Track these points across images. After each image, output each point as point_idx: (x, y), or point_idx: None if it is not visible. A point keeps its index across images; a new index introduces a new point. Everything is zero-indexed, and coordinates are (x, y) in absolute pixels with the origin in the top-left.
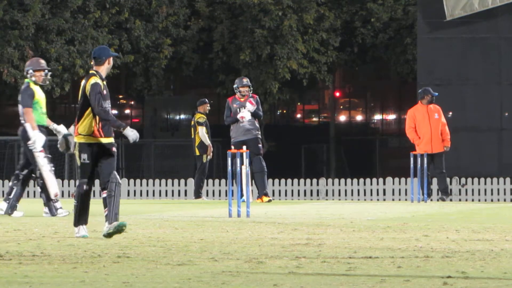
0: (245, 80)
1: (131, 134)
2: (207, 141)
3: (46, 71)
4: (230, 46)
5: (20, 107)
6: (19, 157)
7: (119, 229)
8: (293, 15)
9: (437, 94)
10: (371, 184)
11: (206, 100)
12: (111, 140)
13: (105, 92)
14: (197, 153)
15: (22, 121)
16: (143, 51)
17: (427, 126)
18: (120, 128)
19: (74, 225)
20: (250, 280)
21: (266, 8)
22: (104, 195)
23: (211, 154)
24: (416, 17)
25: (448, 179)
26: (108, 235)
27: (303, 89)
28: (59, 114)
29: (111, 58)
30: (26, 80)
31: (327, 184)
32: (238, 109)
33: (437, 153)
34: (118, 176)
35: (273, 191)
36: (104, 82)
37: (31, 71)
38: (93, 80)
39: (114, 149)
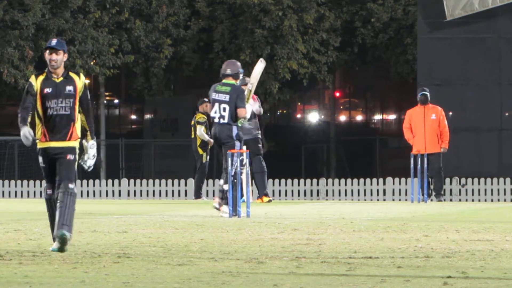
0: (248, 79)
1: (22, 136)
2: (206, 137)
3: None
4: (230, 46)
5: (220, 106)
6: (19, 157)
7: (62, 241)
8: (293, 15)
9: (422, 93)
10: (371, 184)
11: (206, 99)
12: (64, 144)
13: (47, 90)
14: (200, 152)
15: (218, 120)
16: (143, 51)
17: (421, 126)
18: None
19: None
20: (250, 280)
21: (266, 8)
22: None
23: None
24: (416, 17)
25: (448, 179)
26: (59, 250)
27: (303, 89)
28: None
29: (46, 51)
30: (233, 82)
31: (327, 184)
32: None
33: (433, 153)
34: (73, 185)
35: (273, 191)
36: (58, 79)
37: (241, 75)
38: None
39: (70, 156)
